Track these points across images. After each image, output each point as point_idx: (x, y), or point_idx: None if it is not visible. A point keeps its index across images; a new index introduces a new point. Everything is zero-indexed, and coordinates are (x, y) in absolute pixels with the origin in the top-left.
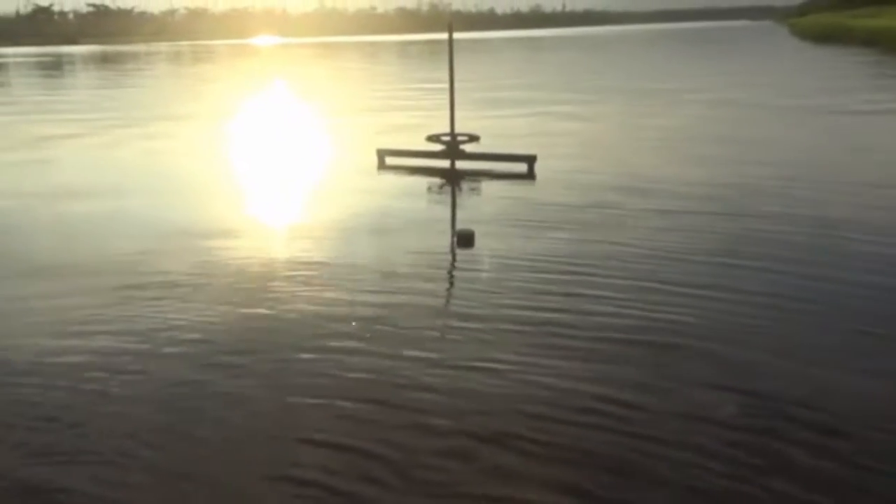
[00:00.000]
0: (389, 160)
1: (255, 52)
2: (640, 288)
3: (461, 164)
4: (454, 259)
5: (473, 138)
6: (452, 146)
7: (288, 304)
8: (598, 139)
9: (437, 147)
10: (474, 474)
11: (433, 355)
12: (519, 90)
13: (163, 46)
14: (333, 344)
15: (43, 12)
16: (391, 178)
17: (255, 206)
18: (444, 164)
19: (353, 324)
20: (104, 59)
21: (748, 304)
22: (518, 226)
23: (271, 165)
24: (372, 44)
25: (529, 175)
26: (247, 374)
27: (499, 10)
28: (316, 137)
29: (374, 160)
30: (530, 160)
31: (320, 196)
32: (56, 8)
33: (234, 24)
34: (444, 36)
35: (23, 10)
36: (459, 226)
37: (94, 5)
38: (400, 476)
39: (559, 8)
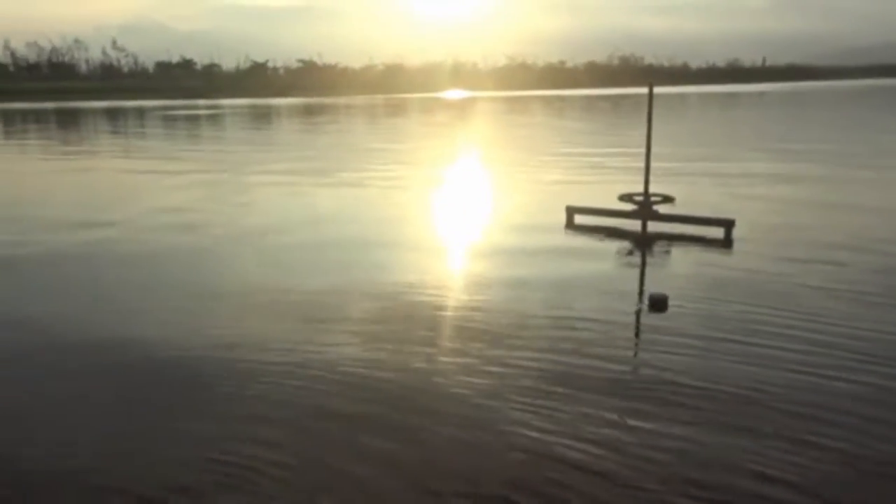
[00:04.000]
0: (578, 218)
1: (446, 106)
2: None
3: (654, 226)
4: (642, 322)
5: (668, 199)
6: (645, 207)
7: (467, 357)
8: (803, 203)
9: (629, 207)
10: None
11: (614, 419)
12: (717, 148)
13: (361, 99)
14: (515, 401)
15: (259, 68)
16: (579, 237)
17: (440, 257)
18: (636, 224)
19: (534, 383)
20: (308, 111)
21: None
22: (713, 293)
23: (459, 217)
24: (560, 98)
25: (727, 241)
26: (421, 416)
27: (693, 65)
28: (504, 192)
29: (563, 217)
30: (728, 225)
31: (507, 251)
32: (270, 64)
33: (426, 79)
34: (635, 91)
35: (242, 66)
36: (650, 289)
37: (302, 61)
38: None
39: (759, 62)
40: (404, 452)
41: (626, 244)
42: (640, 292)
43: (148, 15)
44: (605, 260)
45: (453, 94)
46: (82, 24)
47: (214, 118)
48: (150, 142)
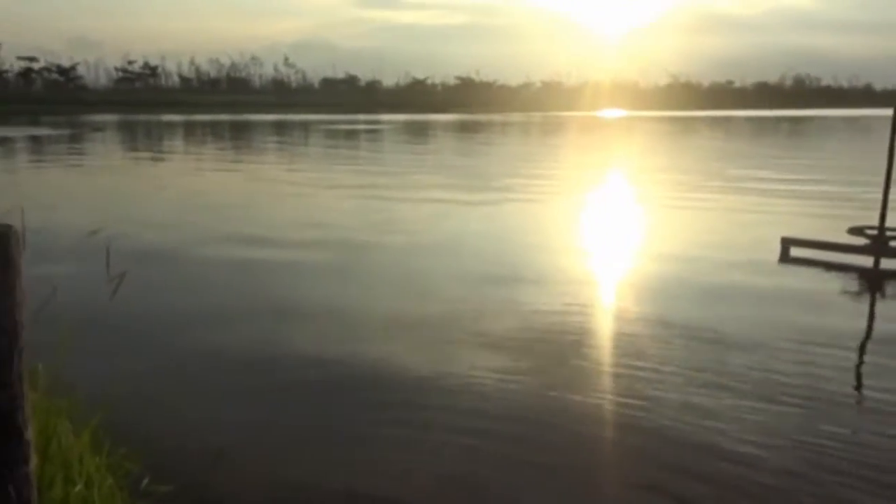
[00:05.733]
0: (795, 251)
1: (606, 125)
2: None
3: (889, 264)
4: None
5: None
6: (881, 241)
7: (643, 417)
8: None
9: (860, 241)
10: None
11: None
12: None
13: (517, 117)
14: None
15: (418, 84)
16: (797, 273)
17: (637, 293)
18: (867, 261)
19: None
20: (470, 128)
21: None
22: None
23: (655, 248)
24: (729, 119)
25: None
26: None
27: (878, 86)
28: (701, 220)
29: (776, 249)
30: None
31: (707, 285)
32: (429, 81)
33: (584, 97)
34: (812, 113)
35: (402, 82)
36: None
37: (460, 78)
38: None
39: None
40: None
41: (855, 284)
42: (865, 343)
43: (317, 33)
44: (828, 302)
45: (611, 112)
46: (259, 41)
47: (376, 133)
48: (320, 155)
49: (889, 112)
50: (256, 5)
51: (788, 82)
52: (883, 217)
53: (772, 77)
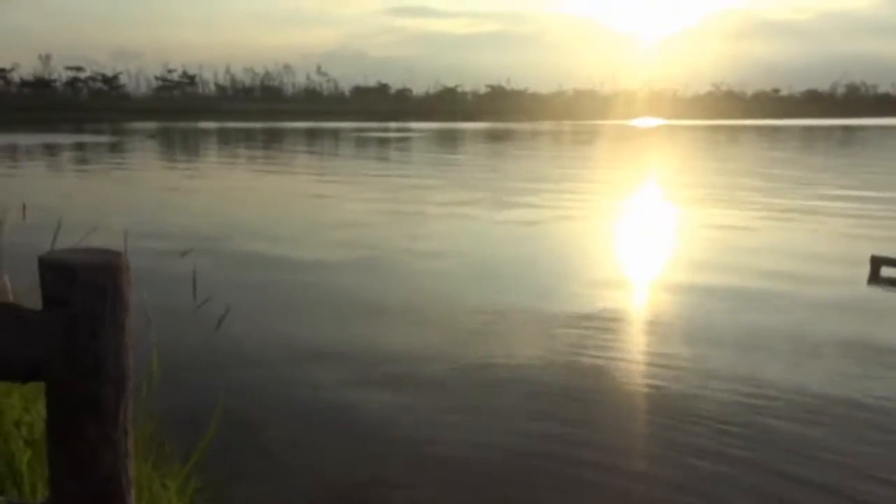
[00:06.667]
0: (887, 271)
1: (643, 134)
2: None
3: None
4: None
5: None
6: None
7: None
8: None
9: None
10: None
11: None
12: None
13: (548, 125)
14: None
15: (448, 93)
16: (889, 297)
17: (705, 327)
18: None
19: None
20: (501, 137)
21: None
22: None
23: (726, 267)
24: (776, 129)
25: None
26: None
27: None
28: (775, 234)
29: (864, 269)
30: None
31: (781, 307)
32: (459, 89)
33: (619, 105)
34: (867, 122)
35: (432, 91)
36: None
37: (491, 86)
38: None
39: None
40: None
41: None
42: None
43: (348, 42)
44: None
45: (646, 121)
46: (292, 50)
47: (406, 141)
48: (356, 163)
49: None
50: (289, 15)
51: (841, 90)
52: None
53: (822, 84)
